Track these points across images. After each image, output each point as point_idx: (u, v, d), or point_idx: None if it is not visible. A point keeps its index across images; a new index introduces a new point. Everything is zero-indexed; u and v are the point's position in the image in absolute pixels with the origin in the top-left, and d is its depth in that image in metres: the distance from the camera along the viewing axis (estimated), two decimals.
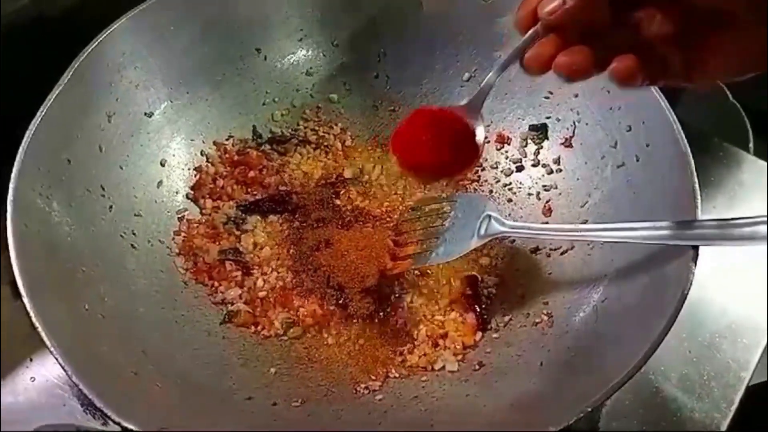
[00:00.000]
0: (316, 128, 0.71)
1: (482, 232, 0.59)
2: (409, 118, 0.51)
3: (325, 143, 0.71)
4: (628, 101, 0.59)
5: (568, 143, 0.65)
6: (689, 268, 0.48)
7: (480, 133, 0.50)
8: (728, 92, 1.04)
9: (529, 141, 0.68)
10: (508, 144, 0.69)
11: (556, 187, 0.65)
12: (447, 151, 0.50)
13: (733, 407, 0.59)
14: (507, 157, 0.68)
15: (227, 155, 0.68)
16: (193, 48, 0.65)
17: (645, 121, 0.58)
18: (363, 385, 0.56)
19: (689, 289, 0.47)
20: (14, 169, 0.51)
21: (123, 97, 0.61)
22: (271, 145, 0.70)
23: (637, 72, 0.41)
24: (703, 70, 0.42)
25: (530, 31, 0.43)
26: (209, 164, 0.67)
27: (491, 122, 0.69)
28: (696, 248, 0.49)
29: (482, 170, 0.69)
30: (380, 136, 0.72)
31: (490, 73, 0.48)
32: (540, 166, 0.67)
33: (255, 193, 0.67)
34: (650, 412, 0.59)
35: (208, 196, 0.66)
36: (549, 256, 0.62)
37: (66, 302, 0.49)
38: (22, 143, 0.52)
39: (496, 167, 0.69)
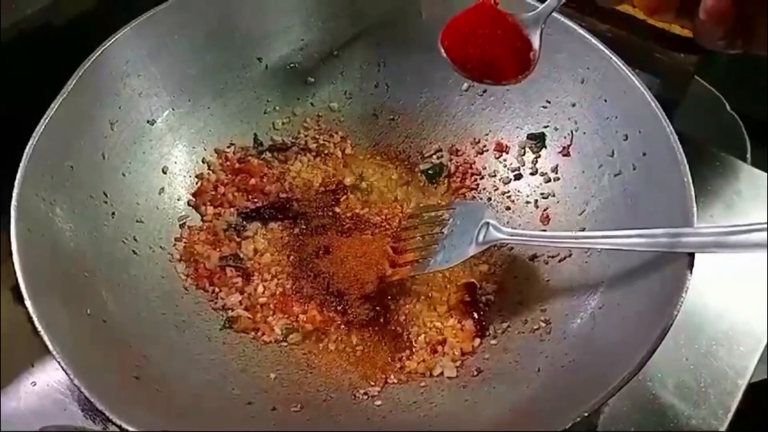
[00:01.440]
0: (317, 136, 0.72)
1: (480, 239, 0.59)
2: (468, 9, 0.50)
3: (326, 151, 0.71)
4: (625, 110, 0.60)
5: (565, 152, 0.66)
6: (685, 276, 0.49)
7: (536, 45, 0.49)
8: (726, 102, 1.04)
9: (528, 150, 0.68)
10: (507, 152, 0.69)
11: (554, 195, 0.66)
12: (499, 50, 0.49)
13: (730, 414, 0.60)
14: (505, 166, 0.69)
15: (228, 163, 0.69)
16: (195, 57, 0.66)
17: (641, 130, 0.58)
18: (362, 391, 0.56)
19: (685, 296, 0.48)
20: (18, 175, 0.52)
21: (126, 104, 0.62)
22: (272, 153, 0.71)
23: (729, 13, 0.39)
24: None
25: None
26: (210, 172, 0.68)
27: (489, 131, 0.70)
28: (692, 256, 0.49)
29: (481, 178, 0.69)
30: (380, 145, 0.72)
31: None
32: (538, 174, 0.67)
33: (256, 200, 0.68)
34: (647, 419, 0.60)
35: (209, 203, 0.66)
36: (547, 263, 0.62)
37: (68, 307, 0.50)
38: (26, 149, 0.53)
39: (495, 175, 0.69)
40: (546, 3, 0.48)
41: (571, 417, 0.44)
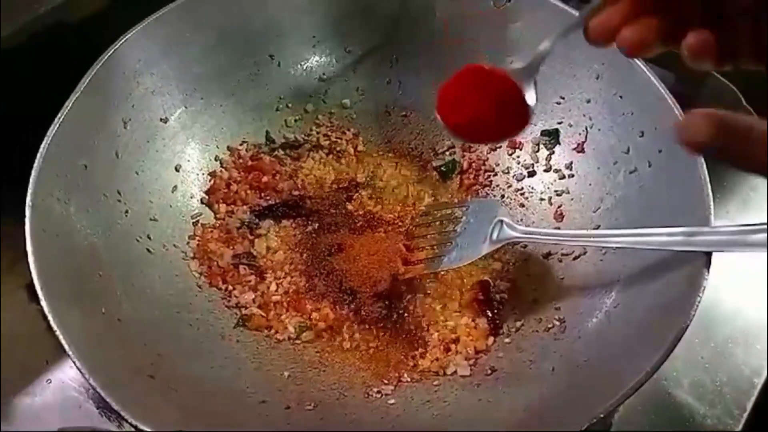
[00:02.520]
0: (329, 133, 0.72)
1: (494, 237, 0.59)
2: (458, 74, 0.48)
3: (338, 148, 0.71)
4: (641, 107, 0.60)
5: (580, 148, 0.65)
6: (702, 275, 0.48)
7: (531, 98, 0.47)
8: (742, 97, 1.03)
9: (541, 146, 0.68)
10: (520, 149, 0.69)
11: (568, 192, 0.65)
12: (494, 112, 0.47)
13: (746, 414, 0.59)
14: (519, 162, 0.69)
15: (241, 160, 0.69)
16: (207, 55, 0.66)
17: (657, 126, 0.58)
18: (375, 390, 0.56)
19: (702, 295, 0.47)
20: (32, 175, 0.52)
21: (139, 103, 0.62)
22: (285, 151, 0.71)
23: (712, 49, 0.38)
24: None
25: None
26: (223, 169, 0.68)
27: None
28: (709, 254, 0.49)
29: (494, 175, 0.69)
30: (392, 141, 0.72)
31: (549, 38, 0.45)
32: (552, 171, 0.67)
33: (268, 197, 0.68)
34: (662, 418, 0.59)
35: (222, 200, 0.66)
36: (561, 261, 0.62)
37: (83, 306, 0.50)
38: (40, 149, 0.53)
39: (508, 172, 0.69)
40: (538, 51, 0.46)
41: (587, 418, 0.44)
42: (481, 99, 0.47)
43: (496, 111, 0.47)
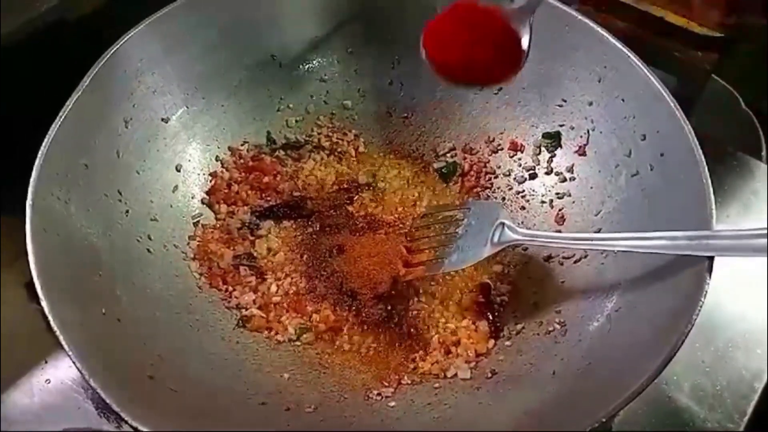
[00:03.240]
0: (330, 134, 0.72)
1: (495, 239, 0.59)
2: (448, 10, 0.46)
3: (339, 149, 0.71)
4: (643, 110, 0.59)
5: (581, 151, 0.65)
6: (704, 279, 0.48)
7: (525, 42, 0.45)
8: (741, 100, 1.03)
9: (543, 149, 0.68)
10: (522, 151, 0.69)
11: (570, 195, 0.65)
12: (485, 52, 0.45)
13: (746, 418, 0.59)
14: (520, 165, 0.68)
15: (242, 161, 0.68)
16: (209, 55, 0.65)
17: (659, 130, 0.58)
18: (375, 392, 0.56)
19: (704, 299, 0.47)
20: (33, 174, 0.52)
21: (140, 103, 0.62)
22: (286, 151, 0.70)
23: None
24: None
25: None
26: (224, 170, 0.68)
27: (504, 130, 0.69)
28: (711, 259, 0.49)
29: (495, 177, 0.69)
30: (393, 143, 0.72)
31: None
32: (553, 173, 0.67)
33: (269, 198, 0.67)
34: (662, 421, 0.59)
35: (222, 201, 0.66)
36: (562, 264, 0.62)
37: (83, 306, 0.50)
38: (41, 148, 0.53)
39: (509, 174, 0.69)
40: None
41: (588, 422, 0.44)
42: (472, 37, 0.45)
43: (487, 50, 0.45)
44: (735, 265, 0.65)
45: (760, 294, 0.66)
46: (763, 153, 0.98)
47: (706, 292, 0.48)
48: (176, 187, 0.64)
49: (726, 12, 0.39)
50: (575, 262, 0.61)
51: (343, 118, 0.72)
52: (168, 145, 0.64)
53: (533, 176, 0.68)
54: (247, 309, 0.60)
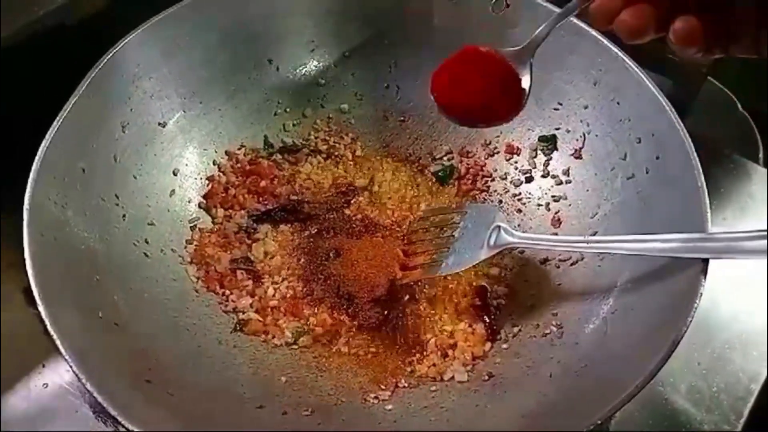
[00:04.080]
0: (327, 138, 0.72)
1: (492, 242, 0.59)
2: (454, 56, 0.49)
3: (336, 153, 0.71)
4: (638, 113, 0.60)
5: (577, 154, 0.65)
6: (699, 281, 0.48)
7: (526, 82, 0.48)
8: (738, 103, 1.04)
9: (539, 152, 0.68)
10: (518, 155, 0.69)
11: (566, 198, 0.65)
12: (488, 94, 0.48)
13: (743, 419, 0.59)
14: (517, 168, 0.69)
15: (239, 165, 0.69)
16: (206, 59, 0.66)
17: (655, 133, 0.58)
18: (372, 395, 0.56)
19: (699, 301, 0.48)
20: (30, 178, 0.52)
21: (137, 107, 0.62)
22: (283, 155, 0.71)
23: (698, 36, 0.41)
24: None
25: None
26: (221, 174, 0.68)
27: (500, 133, 0.70)
28: (706, 261, 0.49)
29: (492, 180, 0.69)
30: (390, 146, 0.72)
31: (546, 22, 0.47)
32: (549, 177, 0.67)
33: (266, 202, 0.68)
34: (659, 423, 0.59)
35: (219, 205, 0.66)
36: (558, 267, 0.62)
37: (80, 310, 0.50)
38: (38, 152, 0.53)
39: (506, 178, 0.69)
40: (534, 34, 0.47)
41: (585, 424, 0.44)
42: (477, 81, 0.48)
43: (492, 94, 0.48)
44: (731, 267, 0.66)
45: (757, 296, 0.66)
46: (760, 155, 0.98)
47: (701, 294, 0.48)
48: (173, 191, 0.64)
49: (707, 50, 0.42)
50: (572, 264, 0.61)
51: (340, 122, 0.73)
52: (165, 150, 0.64)
53: (530, 179, 0.68)
54: (244, 313, 0.60)
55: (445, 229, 0.62)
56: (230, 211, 0.66)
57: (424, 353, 0.59)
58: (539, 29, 0.47)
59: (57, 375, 0.59)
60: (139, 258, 0.59)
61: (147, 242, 0.60)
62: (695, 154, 0.54)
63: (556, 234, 0.64)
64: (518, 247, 0.63)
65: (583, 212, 0.63)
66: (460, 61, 0.49)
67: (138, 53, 0.61)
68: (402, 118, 0.72)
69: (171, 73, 0.64)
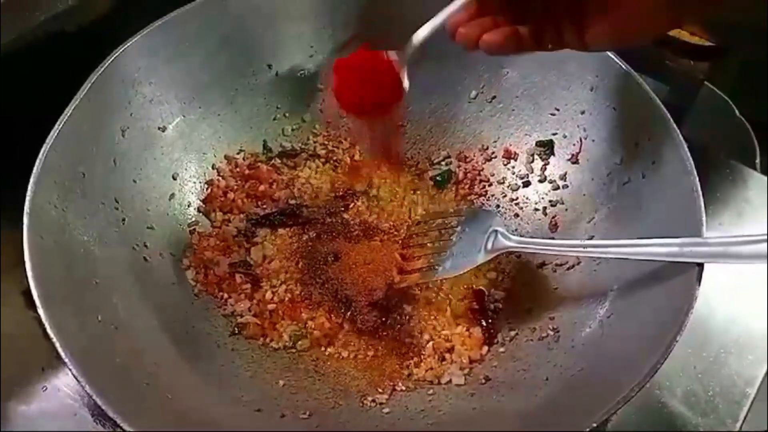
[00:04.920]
0: (326, 143, 0.72)
1: (489, 247, 0.59)
2: (343, 60, 0.57)
3: (335, 157, 0.72)
4: (635, 118, 0.60)
5: (574, 159, 0.66)
6: (694, 286, 0.49)
7: (405, 81, 0.56)
8: (735, 108, 1.04)
9: (536, 157, 0.68)
10: (515, 159, 0.69)
11: (563, 203, 0.66)
12: (371, 92, 0.56)
13: (738, 424, 0.59)
14: (514, 173, 0.69)
15: (238, 169, 0.69)
16: (206, 64, 0.66)
17: (651, 138, 0.58)
18: (370, 398, 0.56)
19: (694, 305, 0.48)
20: (31, 182, 0.52)
21: (137, 111, 0.62)
22: (281, 159, 0.71)
23: (503, 44, 0.49)
24: (592, 40, 0.48)
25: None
26: (220, 178, 0.68)
27: (498, 138, 0.70)
28: (701, 265, 0.49)
29: (489, 185, 0.70)
30: None
31: (421, 33, 0.55)
32: (546, 181, 0.67)
33: (265, 206, 0.68)
34: (655, 427, 0.59)
35: (218, 209, 0.67)
36: (555, 271, 0.62)
37: (79, 314, 0.50)
38: (39, 156, 0.53)
39: (503, 182, 0.69)
40: (409, 44, 0.55)
41: (580, 427, 0.44)
42: (363, 81, 0.56)
43: (374, 91, 0.56)
44: (728, 271, 0.66)
45: (753, 300, 0.66)
46: (757, 161, 0.99)
47: (696, 298, 0.48)
48: (173, 195, 0.65)
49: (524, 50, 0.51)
50: (568, 269, 0.61)
51: (338, 127, 0.73)
52: (165, 154, 0.65)
53: (527, 184, 0.68)
54: (242, 316, 0.61)
55: (442, 233, 0.63)
56: (229, 215, 0.67)
57: (422, 356, 0.59)
58: (414, 38, 0.55)
59: (56, 378, 0.59)
60: (138, 262, 0.59)
61: (146, 246, 0.60)
62: (691, 159, 0.55)
63: (553, 238, 0.65)
64: (515, 252, 0.63)
65: (580, 217, 0.64)
66: (346, 65, 0.57)
67: (138, 58, 0.61)
68: (400, 123, 0.73)
69: (171, 78, 0.64)
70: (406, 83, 0.56)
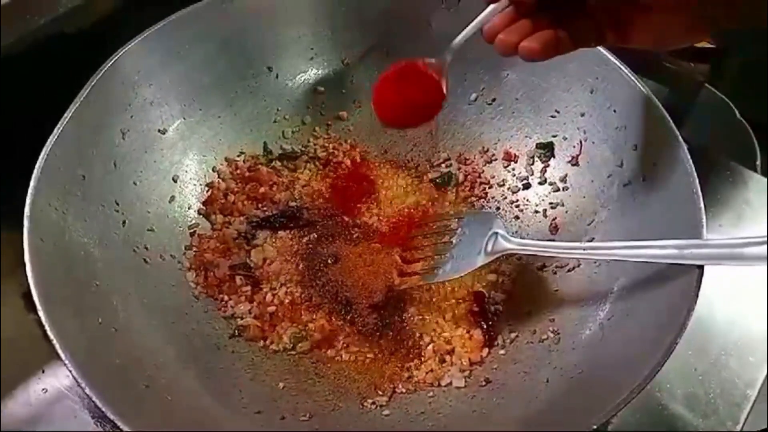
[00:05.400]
0: (326, 145, 0.72)
1: (489, 249, 0.59)
2: (386, 74, 0.56)
3: (335, 160, 0.72)
4: (635, 120, 0.60)
5: (574, 161, 0.66)
6: (695, 287, 0.49)
7: (444, 88, 0.55)
8: (736, 110, 1.04)
9: (536, 159, 0.68)
10: (515, 162, 0.69)
11: (563, 205, 0.66)
12: (413, 104, 0.56)
13: (739, 426, 0.59)
14: (514, 175, 0.69)
15: (238, 171, 0.69)
16: (206, 66, 0.66)
17: (651, 140, 0.58)
18: (370, 401, 0.56)
19: (694, 307, 0.48)
20: (31, 185, 0.52)
21: (137, 114, 0.62)
22: (282, 162, 0.71)
23: (541, 51, 0.47)
24: (637, 38, 0.48)
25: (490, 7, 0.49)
26: (221, 180, 0.68)
27: (498, 140, 0.70)
28: (701, 267, 0.49)
29: (489, 187, 0.70)
30: (389, 153, 0.72)
31: (455, 43, 0.54)
32: (547, 183, 0.67)
33: (265, 208, 0.68)
34: (655, 429, 0.59)
35: (219, 211, 0.67)
36: (555, 273, 0.62)
37: (80, 316, 0.50)
38: (39, 159, 0.53)
39: (503, 185, 0.69)
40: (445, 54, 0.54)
41: (581, 429, 0.44)
42: (405, 94, 0.55)
43: (416, 104, 0.56)
44: (728, 273, 0.66)
45: (753, 302, 0.66)
46: (758, 163, 0.99)
47: (696, 300, 0.48)
48: (173, 197, 0.65)
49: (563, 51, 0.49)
50: (569, 271, 0.61)
51: (338, 129, 0.73)
52: (165, 156, 0.65)
53: (527, 186, 0.68)
54: (242, 318, 0.61)
55: (442, 235, 0.63)
56: (229, 217, 0.67)
57: (422, 359, 0.59)
58: (455, 40, 0.54)
59: (56, 380, 0.59)
60: (138, 264, 0.59)
61: (146, 248, 0.60)
62: (691, 161, 0.55)
63: (553, 240, 0.65)
64: (516, 254, 0.63)
65: (580, 219, 0.64)
66: (391, 78, 0.56)
67: (138, 61, 0.61)
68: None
69: (171, 80, 0.64)
70: (445, 90, 0.55)
